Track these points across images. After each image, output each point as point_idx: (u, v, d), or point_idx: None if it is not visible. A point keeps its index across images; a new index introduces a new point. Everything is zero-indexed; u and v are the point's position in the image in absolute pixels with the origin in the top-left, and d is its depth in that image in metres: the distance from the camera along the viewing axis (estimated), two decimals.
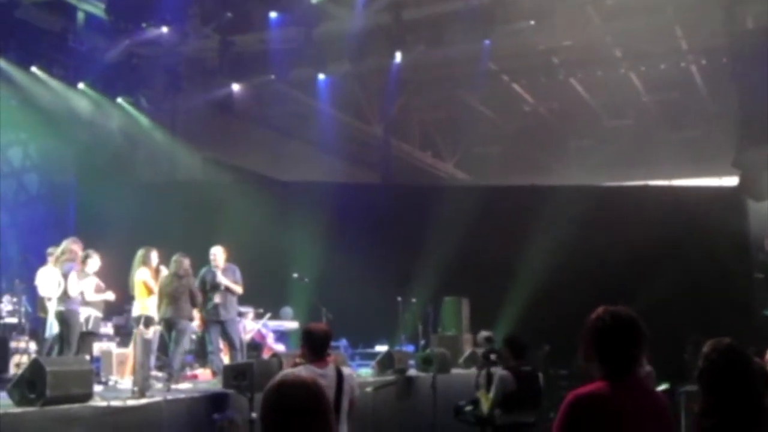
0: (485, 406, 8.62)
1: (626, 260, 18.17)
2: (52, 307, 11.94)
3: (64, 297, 11.65)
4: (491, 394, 8.57)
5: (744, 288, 18.36)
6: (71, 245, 12.04)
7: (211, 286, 13.53)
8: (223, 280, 13.57)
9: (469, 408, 9.32)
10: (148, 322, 12.45)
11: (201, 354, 15.82)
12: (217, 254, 13.69)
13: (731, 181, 20.46)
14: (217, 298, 13.52)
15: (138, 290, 12.61)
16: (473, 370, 9.54)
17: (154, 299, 12.71)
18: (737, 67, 19.06)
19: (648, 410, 3.92)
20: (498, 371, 8.71)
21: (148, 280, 12.63)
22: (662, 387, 13.07)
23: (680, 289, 17.22)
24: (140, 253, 12.82)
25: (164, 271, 13.01)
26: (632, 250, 18.22)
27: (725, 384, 4.18)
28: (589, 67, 22.54)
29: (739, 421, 4.11)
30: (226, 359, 13.90)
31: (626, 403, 3.84)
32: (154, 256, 12.90)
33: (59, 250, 12.17)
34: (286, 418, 3.10)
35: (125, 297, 12.98)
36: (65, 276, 11.68)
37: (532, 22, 18.54)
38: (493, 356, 9.07)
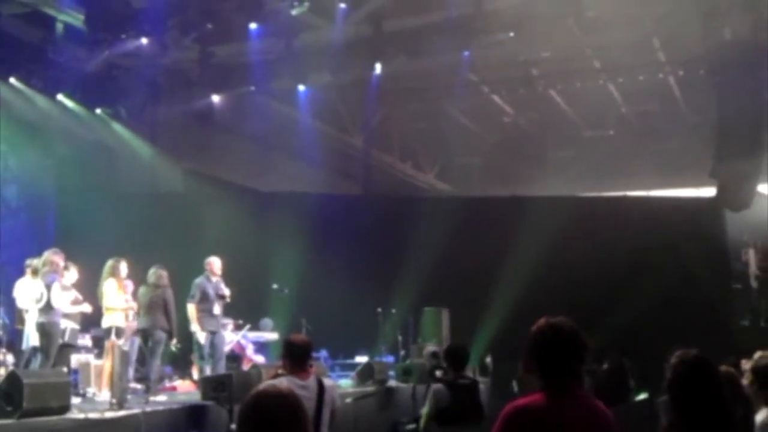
0: (422, 421, 8.31)
1: (605, 270, 18.27)
2: (30, 319, 11.87)
3: (47, 309, 11.57)
4: (425, 409, 8.25)
5: (722, 298, 18.48)
6: (52, 256, 11.98)
7: (214, 296, 13.56)
8: (227, 290, 13.66)
9: (411, 426, 9.12)
10: (119, 333, 12.42)
11: (180, 365, 15.83)
12: (216, 264, 13.74)
13: (709, 191, 20.59)
14: (217, 309, 13.57)
15: (105, 302, 12.60)
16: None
17: (122, 311, 12.71)
18: (715, 79, 19.20)
19: (586, 423, 3.90)
20: (432, 385, 8.42)
21: (108, 293, 12.59)
22: (641, 396, 13.15)
23: (659, 299, 17.33)
24: (109, 264, 12.81)
25: (129, 284, 13.03)
26: (611, 260, 18.32)
27: (692, 395, 4.20)
28: (568, 78, 22.65)
29: (708, 430, 4.13)
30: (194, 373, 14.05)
31: (563, 415, 3.83)
32: (123, 268, 12.88)
33: (41, 261, 12.10)
34: (264, 429, 3.11)
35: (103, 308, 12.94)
36: (48, 287, 11.60)
37: (512, 34, 18.59)
38: (438, 372, 8.91)
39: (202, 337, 13.38)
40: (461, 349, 8.72)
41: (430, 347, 15.73)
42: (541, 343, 3.98)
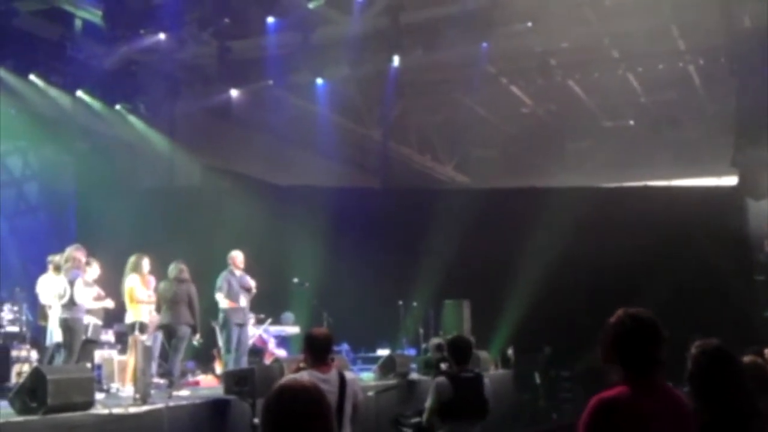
0: (424, 415, 8.13)
1: (626, 261, 18.18)
2: (53, 315, 11.93)
3: (70, 305, 11.63)
4: (427, 403, 8.05)
5: (744, 289, 18.35)
6: (75, 252, 12.02)
7: (239, 288, 13.66)
8: (252, 282, 13.78)
9: (415, 419, 8.96)
10: (143, 328, 12.47)
11: (203, 360, 15.90)
12: (239, 258, 13.85)
13: (730, 180, 20.46)
14: (243, 301, 13.68)
15: (127, 297, 12.66)
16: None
17: (146, 306, 12.76)
18: (735, 67, 19.06)
19: (670, 413, 3.91)
20: (436, 378, 8.24)
21: (135, 287, 12.64)
22: None
23: (680, 290, 17.23)
24: (131, 260, 12.86)
25: (152, 280, 13.08)
26: (632, 251, 18.23)
27: (714, 387, 4.17)
28: (587, 68, 22.55)
29: (730, 422, 4.10)
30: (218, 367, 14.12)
31: (649, 406, 3.84)
32: (146, 263, 12.91)
33: (63, 257, 12.15)
34: (288, 423, 3.11)
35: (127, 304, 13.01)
36: (71, 283, 11.65)
37: (530, 24, 18.54)
38: (444, 365, 8.75)
39: (225, 303, 13.50)
40: (464, 342, 8.52)
41: (436, 339, 15.76)
42: (621, 333, 3.97)
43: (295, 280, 16.82)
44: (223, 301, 13.58)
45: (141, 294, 12.69)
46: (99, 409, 9.06)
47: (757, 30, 18.01)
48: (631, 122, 27.26)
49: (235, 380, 9.98)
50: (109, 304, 12.76)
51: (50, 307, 12.16)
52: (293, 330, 16.97)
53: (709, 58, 21.20)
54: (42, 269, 13.07)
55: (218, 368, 14.79)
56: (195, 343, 13.96)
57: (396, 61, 19.58)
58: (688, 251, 18.33)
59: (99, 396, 10.40)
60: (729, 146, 19.24)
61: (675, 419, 3.92)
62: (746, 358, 5.26)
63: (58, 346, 11.85)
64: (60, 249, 12.54)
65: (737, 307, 17.73)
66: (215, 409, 10.10)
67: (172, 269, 13.15)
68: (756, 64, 17.84)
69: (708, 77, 22.77)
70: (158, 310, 13.04)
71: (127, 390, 11.80)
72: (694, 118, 25.76)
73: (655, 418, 3.82)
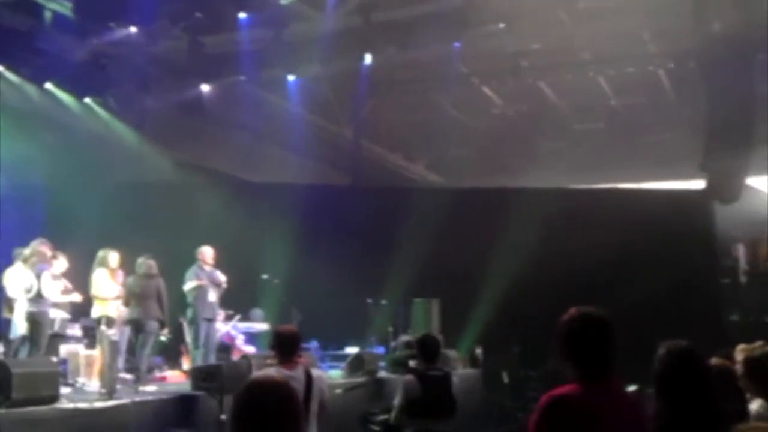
0: (393, 413, 8.13)
1: (595, 262, 18.26)
2: (19, 308, 11.84)
3: (37, 298, 11.58)
4: (395, 401, 8.06)
5: (711, 292, 18.50)
6: (39, 247, 11.98)
7: (208, 283, 13.62)
8: (223, 277, 13.74)
9: (382, 417, 8.95)
10: (110, 322, 12.40)
11: (170, 355, 15.82)
12: (208, 253, 13.81)
13: (699, 184, 20.60)
14: (212, 296, 13.63)
15: (94, 291, 12.60)
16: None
17: (113, 300, 12.70)
18: (705, 72, 19.20)
19: (622, 412, 3.92)
20: (404, 376, 8.23)
21: (101, 282, 12.59)
22: (631, 388, 13.19)
23: (648, 292, 17.32)
24: (100, 254, 12.83)
25: (121, 274, 13.02)
26: (601, 253, 18.32)
27: (680, 387, 4.18)
28: (558, 70, 22.63)
29: (695, 424, 4.11)
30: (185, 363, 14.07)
31: (600, 404, 3.84)
32: (113, 258, 12.87)
33: (28, 251, 12.08)
34: (258, 418, 3.11)
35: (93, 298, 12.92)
36: (38, 277, 11.60)
37: (502, 25, 18.59)
38: (412, 362, 8.76)
39: (192, 284, 13.46)
40: (432, 341, 8.53)
41: (404, 336, 15.79)
42: (572, 331, 4.01)
43: (265, 276, 16.79)
44: (189, 283, 13.54)
45: (105, 289, 12.62)
46: (64, 404, 9.01)
47: (727, 35, 18.14)
48: (602, 125, 27.35)
49: (202, 376, 9.95)
50: (77, 297, 12.70)
51: (16, 299, 12.07)
52: (262, 327, 16.92)
53: (680, 63, 21.34)
54: (9, 262, 12.96)
55: (186, 364, 14.72)
56: (163, 338, 13.90)
57: (368, 59, 19.56)
58: (657, 253, 18.44)
59: (65, 390, 10.34)
60: (698, 150, 19.36)
61: (626, 419, 3.93)
62: (714, 360, 5.29)
63: (23, 339, 11.78)
64: (28, 243, 12.45)
65: (705, 309, 17.88)
66: (182, 404, 10.05)
67: (140, 264, 13.11)
68: (726, 69, 17.97)
69: (678, 81, 22.90)
70: (126, 304, 12.99)
71: (94, 385, 11.73)
72: (663, 122, 25.90)
73: (606, 417, 3.83)
